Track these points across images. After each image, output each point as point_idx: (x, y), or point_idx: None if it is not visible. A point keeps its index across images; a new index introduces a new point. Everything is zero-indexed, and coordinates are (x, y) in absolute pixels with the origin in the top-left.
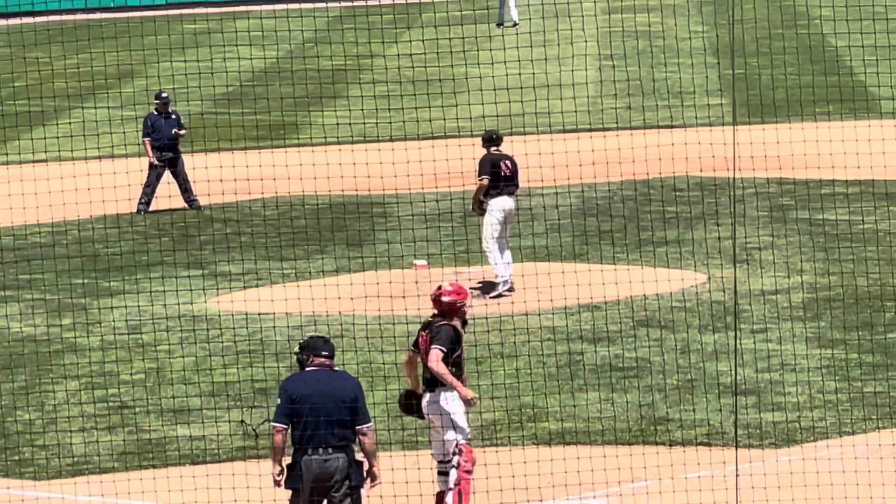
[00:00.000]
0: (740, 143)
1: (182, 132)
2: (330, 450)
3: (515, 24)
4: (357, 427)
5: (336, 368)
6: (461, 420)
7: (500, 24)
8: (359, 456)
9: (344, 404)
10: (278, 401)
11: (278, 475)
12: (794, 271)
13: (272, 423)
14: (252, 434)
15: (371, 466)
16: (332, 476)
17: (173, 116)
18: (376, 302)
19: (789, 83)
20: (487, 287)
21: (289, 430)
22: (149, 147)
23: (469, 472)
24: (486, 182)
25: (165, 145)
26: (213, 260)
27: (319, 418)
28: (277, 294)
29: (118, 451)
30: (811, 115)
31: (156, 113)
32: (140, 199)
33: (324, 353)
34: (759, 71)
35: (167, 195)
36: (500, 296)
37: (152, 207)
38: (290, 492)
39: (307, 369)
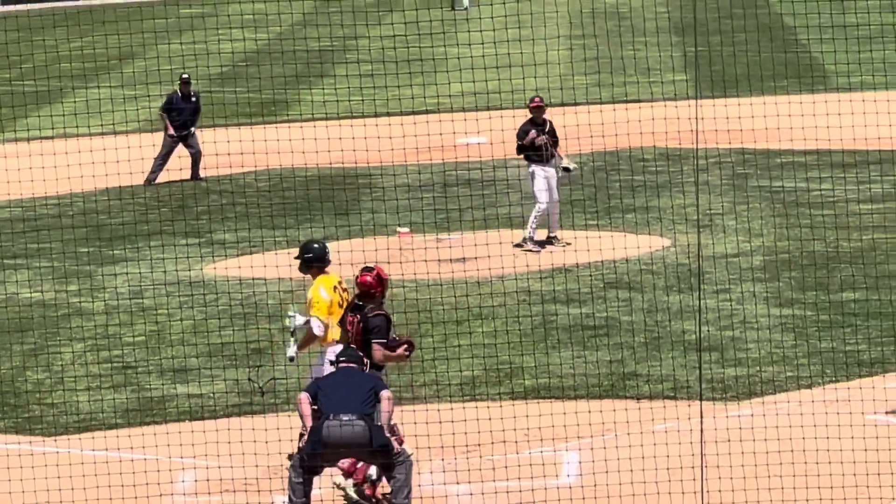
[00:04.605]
0: (702, 117)
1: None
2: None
3: (466, 9)
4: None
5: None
6: None
7: (452, 9)
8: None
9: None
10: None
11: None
12: (753, 235)
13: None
14: (258, 391)
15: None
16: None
17: (193, 99)
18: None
19: (748, 60)
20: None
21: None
22: (167, 120)
23: None
24: None
25: (182, 126)
26: (209, 229)
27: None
28: (270, 260)
29: (122, 408)
30: (768, 90)
31: (179, 94)
32: (151, 169)
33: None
34: (721, 48)
35: (173, 168)
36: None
37: (159, 179)
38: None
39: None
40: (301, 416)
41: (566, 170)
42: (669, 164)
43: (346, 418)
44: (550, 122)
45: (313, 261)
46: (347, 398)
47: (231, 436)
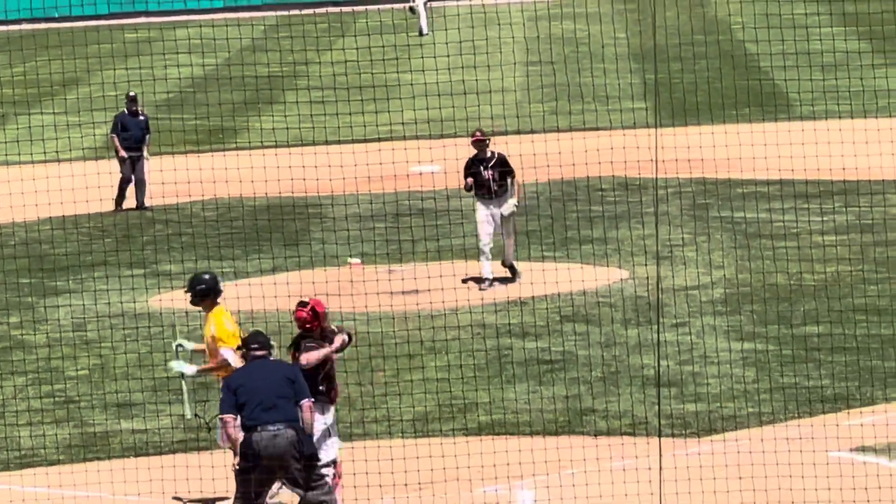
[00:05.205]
0: (662, 146)
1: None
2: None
3: (423, 34)
4: (300, 402)
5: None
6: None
7: (420, 34)
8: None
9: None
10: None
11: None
12: (714, 267)
13: (220, 416)
14: (204, 426)
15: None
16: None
17: (141, 117)
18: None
19: (709, 88)
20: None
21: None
22: (117, 142)
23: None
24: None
25: (133, 146)
26: (154, 259)
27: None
28: None
29: (64, 444)
30: (730, 118)
31: (126, 112)
32: (118, 194)
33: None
34: (682, 76)
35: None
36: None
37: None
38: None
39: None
40: (231, 440)
41: (502, 216)
42: (628, 194)
43: (273, 429)
44: (499, 154)
45: (208, 292)
46: (272, 404)
47: (176, 472)
